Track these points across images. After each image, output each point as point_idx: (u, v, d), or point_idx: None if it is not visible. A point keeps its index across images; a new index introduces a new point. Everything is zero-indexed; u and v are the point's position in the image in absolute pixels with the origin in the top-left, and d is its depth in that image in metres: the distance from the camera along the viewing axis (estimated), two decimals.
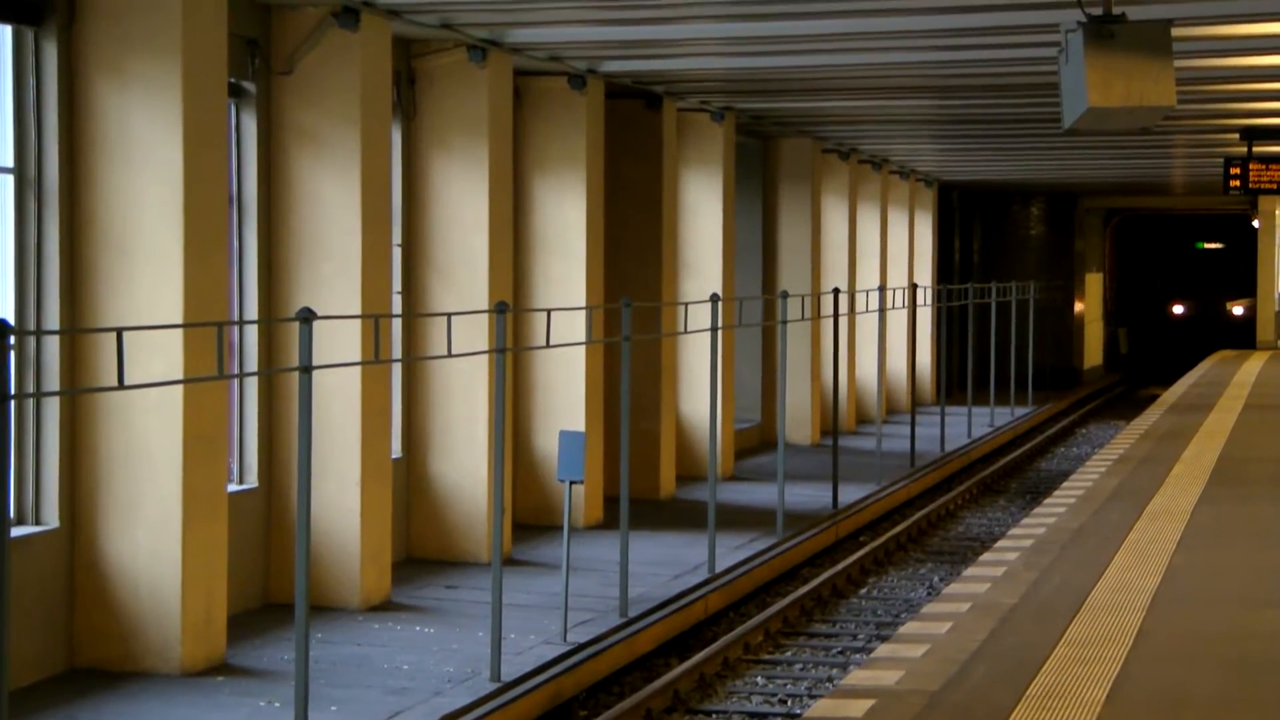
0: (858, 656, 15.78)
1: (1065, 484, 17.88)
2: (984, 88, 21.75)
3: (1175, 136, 28.40)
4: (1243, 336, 51.02)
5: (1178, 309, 57.40)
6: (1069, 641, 10.09)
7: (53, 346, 13.02)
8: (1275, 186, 26.84)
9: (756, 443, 28.86)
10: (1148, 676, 9.32)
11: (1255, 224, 46.55)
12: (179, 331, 12.77)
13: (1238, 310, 56.04)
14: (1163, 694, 9.04)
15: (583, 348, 19.66)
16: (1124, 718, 8.56)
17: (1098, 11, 11.87)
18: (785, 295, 20.33)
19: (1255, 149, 26.81)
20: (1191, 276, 57.54)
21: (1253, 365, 37.89)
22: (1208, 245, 57.16)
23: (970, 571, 12.88)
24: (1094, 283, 51.08)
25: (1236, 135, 26.56)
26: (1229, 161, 27.04)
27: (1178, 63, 12.24)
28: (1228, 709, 8.83)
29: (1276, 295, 47.07)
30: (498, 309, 13.09)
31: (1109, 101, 11.80)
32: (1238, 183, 26.92)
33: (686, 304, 18.93)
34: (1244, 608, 11.23)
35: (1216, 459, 19.45)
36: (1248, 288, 51.57)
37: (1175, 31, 12.17)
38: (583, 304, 19.73)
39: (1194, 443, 21.29)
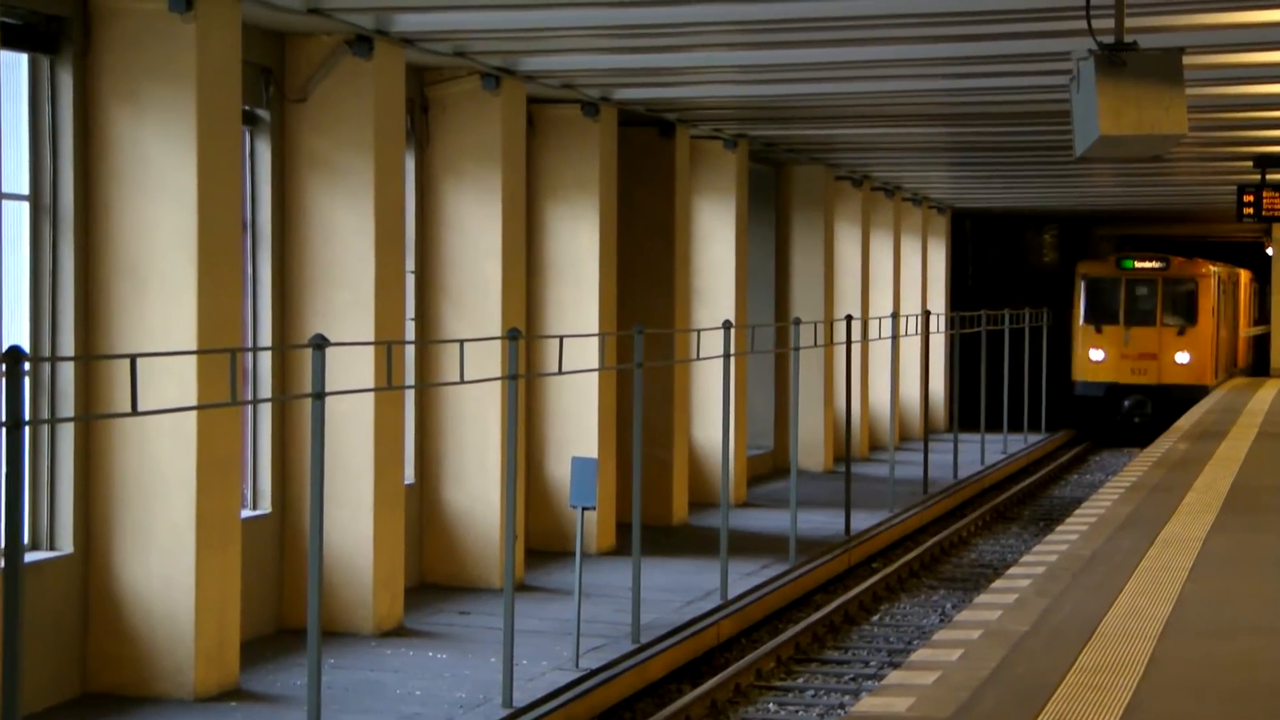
0: (869, 683, 15.77)
1: (1077, 511, 17.86)
2: (996, 115, 21.79)
3: (1188, 164, 28.43)
4: (1184, 406, 36.25)
5: (1095, 355, 40.39)
6: (1080, 669, 10.08)
7: (67, 372, 13.07)
8: None
9: (769, 469, 28.86)
10: (1159, 705, 9.31)
11: (1269, 251, 46.48)
12: (193, 357, 12.82)
13: (1182, 359, 39.91)
14: None
15: (595, 374, 19.70)
16: None
17: (1109, 40, 11.90)
18: (798, 322, 20.37)
19: (1269, 176, 26.84)
20: (1117, 309, 40.31)
21: (1266, 393, 37.84)
22: (1140, 264, 40.36)
23: (982, 599, 12.87)
24: None
25: (1250, 163, 26.61)
26: (1242, 189, 27.06)
27: (1190, 90, 12.26)
28: None
29: None
30: (510, 335, 13.12)
31: (1120, 129, 11.82)
32: (1251, 210, 26.93)
33: (699, 330, 18.95)
34: (1256, 636, 11.22)
35: (1229, 487, 19.42)
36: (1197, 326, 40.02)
37: (1187, 59, 12.19)
38: (595, 330, 19.77)
39: (1206, 470, 21.26)
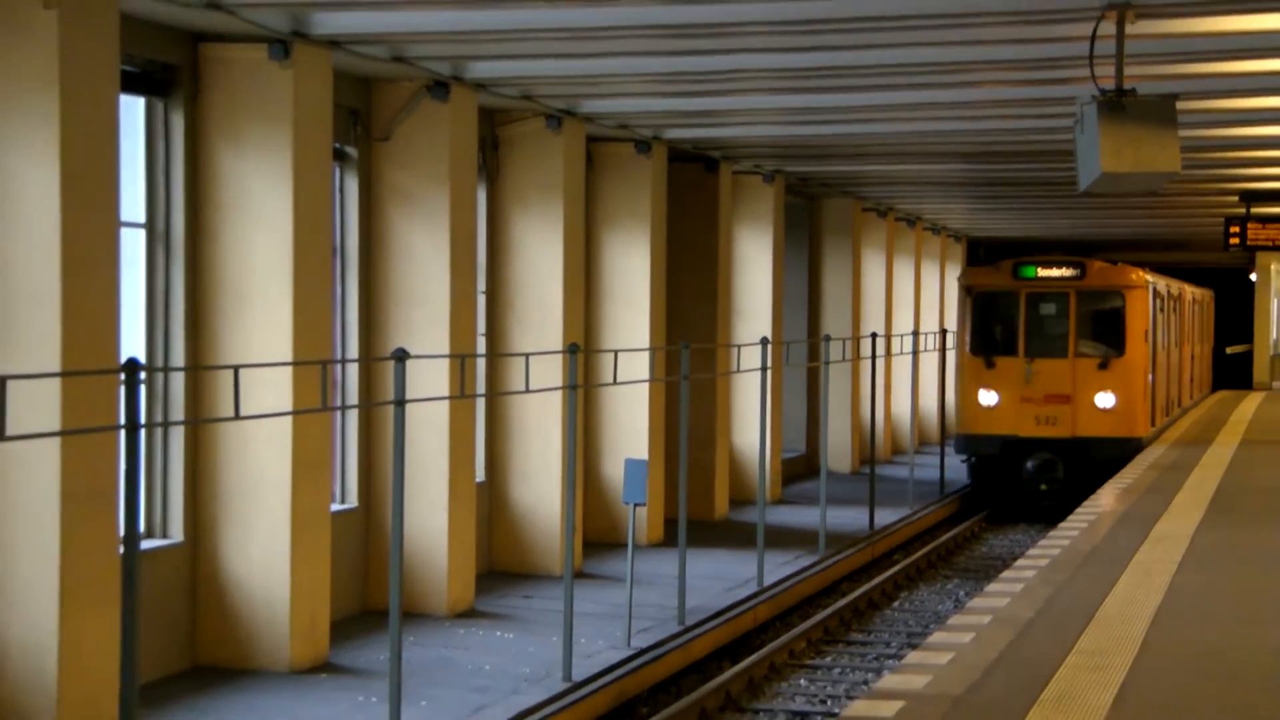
0: (890, 662, 15.77)
1: (1078, 509, 17.82)
2: (1008, 154, 21.78)
3: (1180, 198, 28.32)
4: (1110, 468, 23.50)
5: (986, 398, 26.37)
6: (1080, 651, 10.09)
7: (178, 381, 13.19)
8: (1271, 243, 26.76)
9: (802, 470, 28.85)
10: (1152, 684, 9.32)
11: (1253, 277, 46.19)
12: (288, 368, 12.93)
13: (1105, 401, 25.92)
14: (1165, 700, 9.05)
15: (646, 385, 19.75)
16: None
17: (1111, 86, 11.93)
18: (828, 339, 20.39)
19: (1253, 210, 26.78)
20: (1015, 334, 26.43)
21: (1249, 404, 37.63)
22: (1045, 271, 26.36)
23: (992, 587, 12.87)
24: None
25: (1236, 197, 26.52)
26: (1229, 221, 26.97)
27: (1183, 132, 12.29)
28: (1224, 715, 8.83)
29: (1272, 340, 46.59)
30: (570, 350, 13.19)
31: (1120, 167, 11.83)
32: (1237, 240, 26.85)
33: (739, 346, 18.98)
34: (1240, 624, 11.20)
35: (1216, 488, 19.35)
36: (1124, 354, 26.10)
37: (1180, 104, 12.20)
38: (646, 346, 19.83)
39: (1195, 473, 21.18)
